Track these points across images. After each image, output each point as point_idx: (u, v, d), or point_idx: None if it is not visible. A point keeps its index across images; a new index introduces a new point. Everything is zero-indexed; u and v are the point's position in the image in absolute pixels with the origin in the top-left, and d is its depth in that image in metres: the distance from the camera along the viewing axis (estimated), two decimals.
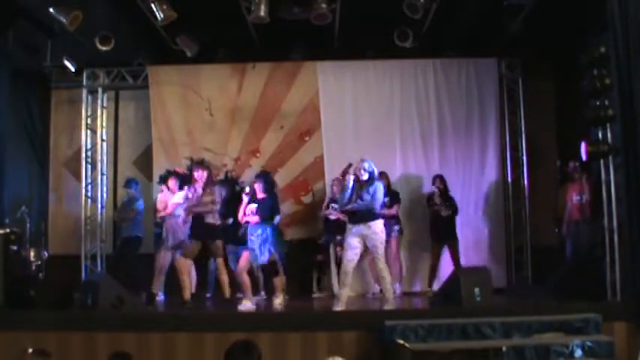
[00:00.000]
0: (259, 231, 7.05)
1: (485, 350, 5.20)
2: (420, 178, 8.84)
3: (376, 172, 6.67)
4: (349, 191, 6.54)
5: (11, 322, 5.90)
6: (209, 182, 7.45)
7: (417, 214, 8.69)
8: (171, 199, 7.93)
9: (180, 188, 7.94)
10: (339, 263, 8.04)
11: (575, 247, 7.66)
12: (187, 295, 7.26)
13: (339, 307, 6.46)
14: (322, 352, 5.44)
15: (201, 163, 7.67)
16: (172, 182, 8.08)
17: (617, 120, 6.13)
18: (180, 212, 7.70)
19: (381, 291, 7.32)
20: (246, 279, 7.11)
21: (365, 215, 6.51)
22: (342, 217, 7.46)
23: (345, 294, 6.54)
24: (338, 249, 8.10)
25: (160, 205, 8.07)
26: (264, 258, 7.07)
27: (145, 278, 7.97)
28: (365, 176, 6.54)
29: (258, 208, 7.12)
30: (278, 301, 7.20)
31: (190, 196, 7.39)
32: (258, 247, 7.04)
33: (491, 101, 8.99)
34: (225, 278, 7.37)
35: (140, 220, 8.42)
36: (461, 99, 9.01)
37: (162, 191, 8.26)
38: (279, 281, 7.33)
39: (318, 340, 5.63)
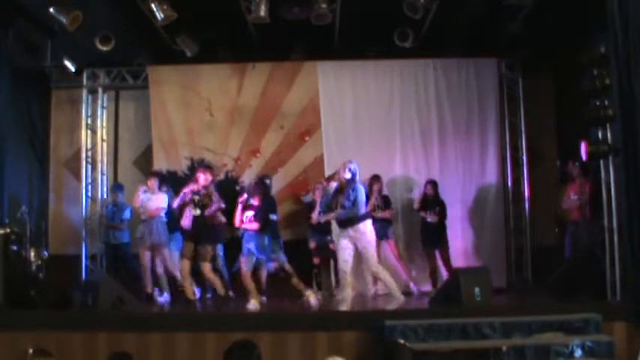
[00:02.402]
0: (256, 241, 7.14)
1: (486, 350, 5.20)
2: (420, 179, 8.83)
3: (358, 176, 6.70)
4: (329, 198, 6.59)
5: (11, 322, 5.91)
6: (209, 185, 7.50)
7: (416, 215, 8.67)
8: (152, 201, 7.93)
9: (160, 189, 7.98)
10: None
11: (575, 247, 7.66)
12: (191, 294, 7.32)
13: (344, 307, 6.49)
14: (322, 352, 5.43)
15: (207, 167, 7.69)
16: (152, 182, 8.04)
17: (617, 120, 6.13)
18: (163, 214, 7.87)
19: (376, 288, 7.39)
20: (250, 282, 7.17)
21: (351, 219, 6.56)
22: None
23: (348, 294, 6.56)
24: (332, 246, 8.14)
25: (136, 205, 8.05)
26: (270, 265, 7.26)
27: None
28: (348, 175, 6.58)
29: (255, 215, 7.19)
30: (312, 298, 7.23)
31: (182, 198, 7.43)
32: (255, 254, 7.16)
33: (492, 101, 8.99)
34: (214, 280, 7.40)
35: (127, 226, 8.56)
36: (461, 99, 9.00)
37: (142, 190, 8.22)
38: (297, 281, 7.40)
39: (318, 340, 5.63)
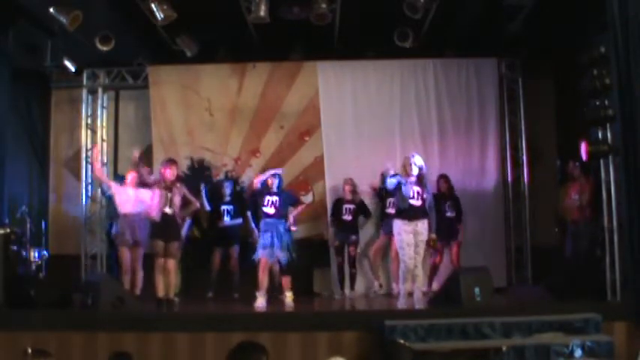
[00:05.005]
0: (275, 228, 7.16)
1: (486, 350, 5.21)
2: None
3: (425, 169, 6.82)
4: (405, 187, 6.69)
5: (11, 322, 5.92)
6: (176, 180, 7.25)
7: None
8: (132, 196, 7.57)
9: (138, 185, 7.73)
10: (352, 263, 8.15)
11: (575, 247, 7.66)
12: (161, 294, 7.03)
13: (411, 301, 6.68)
14: (322, 352, 5.45)
15: (170, 160, 7.42)
16: (130, 178, 7.67)
17: (617, 120, 6.13)
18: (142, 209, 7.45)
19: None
20: (264, 278, 7.17)
21: (423, 211, 6.70)
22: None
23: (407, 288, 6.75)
24: (351, 249, 8.14)
25: (118, 200, 7.65)
26: (284, 255, 7.16)
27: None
28: (415, 170, 6.63)
29: (279, 200, 7.24)
30: (289, 299, 7.23)
31: (155, 198, 7.15)
32: (275, 244, 7.12)
33: (491, 101, 8.98)
34: (172, 279, 7.14)
35: None
36: (461, 99, 8.99)
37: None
38: (287, 280, 7.34)
39: (318, 340, 5.64)
